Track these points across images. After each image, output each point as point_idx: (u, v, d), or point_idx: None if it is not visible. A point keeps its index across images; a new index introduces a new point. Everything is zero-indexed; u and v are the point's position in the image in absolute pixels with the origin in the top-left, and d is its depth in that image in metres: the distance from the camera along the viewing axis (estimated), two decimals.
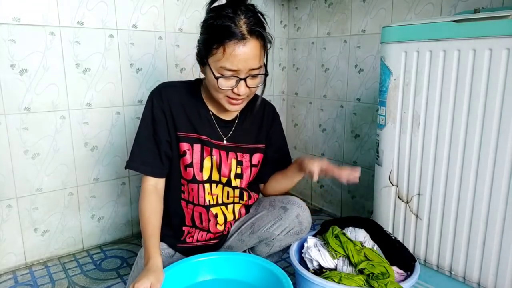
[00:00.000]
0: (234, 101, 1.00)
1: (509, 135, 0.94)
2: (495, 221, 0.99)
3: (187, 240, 1.17)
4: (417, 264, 1.07)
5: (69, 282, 1.40)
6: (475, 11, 1.09)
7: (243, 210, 1.22)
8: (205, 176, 1.11)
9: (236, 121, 1.14)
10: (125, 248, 1.65)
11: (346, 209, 1.94)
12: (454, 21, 1.00)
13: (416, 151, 1.13)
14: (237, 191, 1.17)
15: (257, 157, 1.18)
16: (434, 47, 1.05)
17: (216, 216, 1.15)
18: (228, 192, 1.16)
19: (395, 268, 1.06)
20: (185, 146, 1.08)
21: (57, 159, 1.51)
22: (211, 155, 1.10)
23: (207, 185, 1.12)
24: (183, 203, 1.15)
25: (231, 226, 1.23)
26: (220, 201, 1.16)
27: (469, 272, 1.06)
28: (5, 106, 1.37)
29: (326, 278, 0.99)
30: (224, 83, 0.96)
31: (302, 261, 1.13)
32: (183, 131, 1.08)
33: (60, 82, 1.46)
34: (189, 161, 1.09)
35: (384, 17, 1.62)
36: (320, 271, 1.06)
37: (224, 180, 1.13)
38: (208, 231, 1.17)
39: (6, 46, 1.34)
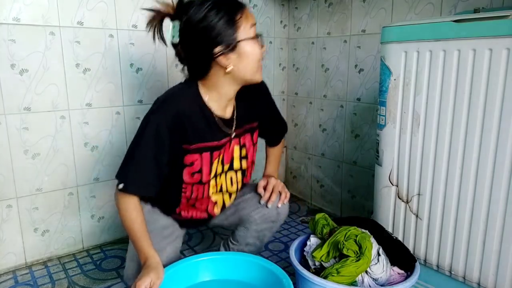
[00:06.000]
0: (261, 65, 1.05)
1: (509, 135, 0.94)
2: (495, 221, 0.99)
3: (182, 214, 1.17)
4: (417, 264, 1.06)
5: (69, 282, 1.40)
6: (475, 11, 1.09)
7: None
8: (212, 175, 1.10)
9: (236, 113, 1.13)
10: (125, 248, 1.64)
11: (346, 209, 1.94)
12: (454, 21, 1.00)
13: (416, 151, 1.13)
14: (239, 173, 1.19)
15: (256, 135, 1.22)
16: (434, 47, 1.05)
17: (215, 202, 1.17)
18: (231, 177, 1.17)
19: (395, 268, 1.07)
20: (193, 157, 1.05)
21: (57, 159, 1.51)
22: (219, 156, 1.10)
23: (212, 181, 1.11)
24: (183, 200, 1.13)
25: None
26: (224, 189, 1.17)
27: (469, 272, 1.06)
28: (5, 106, 1.37)
29: (326, 276, 0.99)
30: (258, 44, 1.00)
31: (302, 261, 1.13)
32: (190, 144, 1.03)
33: (60, 82, 1.46)
34: (198, 168, 1.06)
35: (384, 17, 1.62)
36: (321, 271, 1.06)
37: (226, 168, 1.14)
38: (206, 211, 1.18)
39: (6, 46, 1.34)
